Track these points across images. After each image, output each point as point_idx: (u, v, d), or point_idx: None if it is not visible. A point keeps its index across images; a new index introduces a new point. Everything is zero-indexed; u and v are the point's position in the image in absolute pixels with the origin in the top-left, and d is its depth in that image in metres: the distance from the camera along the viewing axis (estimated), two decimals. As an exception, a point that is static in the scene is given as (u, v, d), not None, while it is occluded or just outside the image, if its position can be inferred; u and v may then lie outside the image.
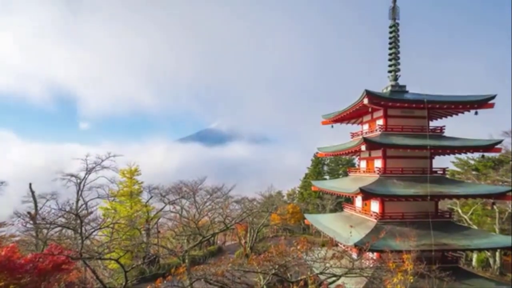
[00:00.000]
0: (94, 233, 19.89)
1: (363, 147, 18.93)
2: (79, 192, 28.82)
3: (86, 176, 29.13)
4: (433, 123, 22.23)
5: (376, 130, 21.24)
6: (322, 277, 13.13)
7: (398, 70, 22.24)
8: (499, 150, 20.02)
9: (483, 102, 19.53)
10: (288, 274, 13.50)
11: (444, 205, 30.84)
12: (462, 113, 21.06)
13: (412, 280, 11.39)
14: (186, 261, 25.36)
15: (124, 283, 13.63)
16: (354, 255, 14.66)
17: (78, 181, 29.03)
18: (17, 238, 21.58)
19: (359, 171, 24.43)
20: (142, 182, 33.33)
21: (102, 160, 29.47)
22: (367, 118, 23.68)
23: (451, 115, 21.93)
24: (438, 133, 21.07)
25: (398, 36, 21.85)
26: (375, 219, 19.60)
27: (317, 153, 28.16)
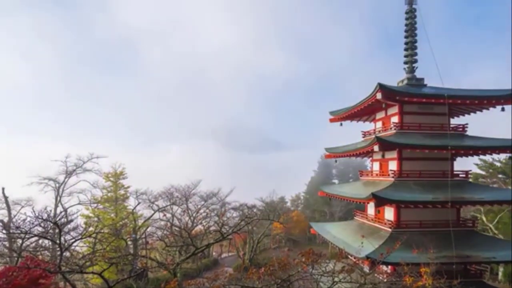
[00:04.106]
0: (74, 244, 19.81)
1: (376, 148, 18.92)
2: (58, 198, 28.83)
3: (66, 180, 29.16)
4: (454, 121, 22.24)
5: (390, 129, 21.24)
6: (330, 293, 13.11)
7: (415, 61, 22.23)
8: (528, 150, 20.00)
9: (510, 97, 19.52)
10: (292, 290, 13.48)
11: (466, 212, 30.86)
12: (487, 109, 21.05)
13: (431, 297, 11.38)
14: (178, 275, 25.33)
15: (108, 300, 13.60)
16: (366, 269, 14.65)
17: (57, 185, 29.03)
18: (-12, 249, 21.53)
19: (372, 175, 24.44)
20: (128, 187, 33.31)
21: (84, 162, 29.53)
22: (380, 115, 23.68)
23: (474, 112, 21.93)
24: (460, 132, 21.06)
25: (415, 23, 21.85)
26: (390, 228, 19.60)
27: (324, 154, 28.19)
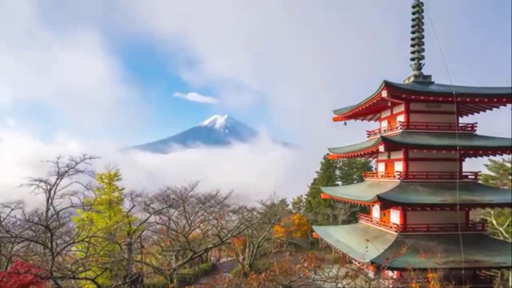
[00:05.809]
0: (66, 248, 19.88)
1: (381, 148, 18.93)
2: (49, 200, 28.78)
3: (58, 181, 29.06)
4: (463, 120, 22.26)
5: (396, 128, 21.24)
6: (333, 299, 13.11)
7: (422, 57, 22.22)
8: (540, 151, 20.01)
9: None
10: (294, 296, 13.48)
11: (476, 215, 30.84)
12: (497, 107, 21.06)
13: (438, 303, 11.38)
14: (174, 280, 25.41)
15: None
16: (371, 274, 14.66)
17: (48, 187, 28.97)
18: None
19: (377, 176, 24.45)
20: (123, 189, 33.21)
21: (77, 163, 29.41)
22: (386, 113, 23.69)
23: (483, 110, 21.94)
24: (469, 131, 21.06)
25: (423, 18, 21.83)
26: (395, 231, 19.60)
27: (327, 154, 28.22)
